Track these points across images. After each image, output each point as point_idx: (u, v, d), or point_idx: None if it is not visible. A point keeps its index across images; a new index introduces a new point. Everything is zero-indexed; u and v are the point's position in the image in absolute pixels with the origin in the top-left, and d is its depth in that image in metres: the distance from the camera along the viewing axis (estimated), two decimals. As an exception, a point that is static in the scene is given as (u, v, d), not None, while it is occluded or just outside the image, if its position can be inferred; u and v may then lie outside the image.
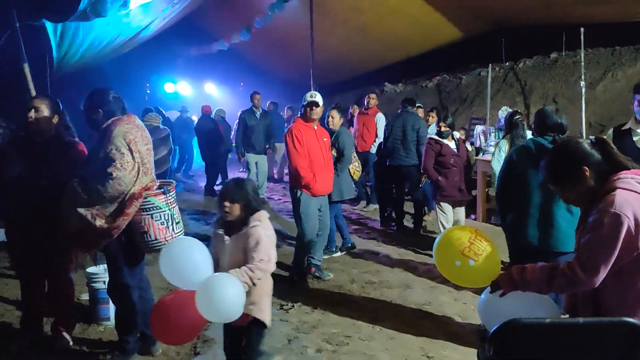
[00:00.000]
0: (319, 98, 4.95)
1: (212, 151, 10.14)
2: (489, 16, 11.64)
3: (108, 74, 14.59)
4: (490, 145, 8.24)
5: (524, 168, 3.39)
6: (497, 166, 5.59)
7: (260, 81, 16.94)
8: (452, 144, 5.87)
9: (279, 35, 13.67)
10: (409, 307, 4.47)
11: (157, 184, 3.17)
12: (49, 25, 8.28)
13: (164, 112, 11.13)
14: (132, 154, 2.99)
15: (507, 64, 12.19)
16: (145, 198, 3.02)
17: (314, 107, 4.88)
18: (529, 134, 5.73)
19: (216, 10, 14.05)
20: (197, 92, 17.01)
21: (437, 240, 2.49)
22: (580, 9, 9.49)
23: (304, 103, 4.94)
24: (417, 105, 9.24)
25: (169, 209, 3.09)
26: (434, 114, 8.50)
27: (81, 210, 2.94)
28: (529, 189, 3.36)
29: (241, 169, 13.13)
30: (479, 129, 9.38)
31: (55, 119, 3.46)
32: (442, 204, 5.83)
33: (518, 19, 11.39)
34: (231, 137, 10.93)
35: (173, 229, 3.11)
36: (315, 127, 5.02)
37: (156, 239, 3.04)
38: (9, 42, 7.45)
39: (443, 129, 5.82)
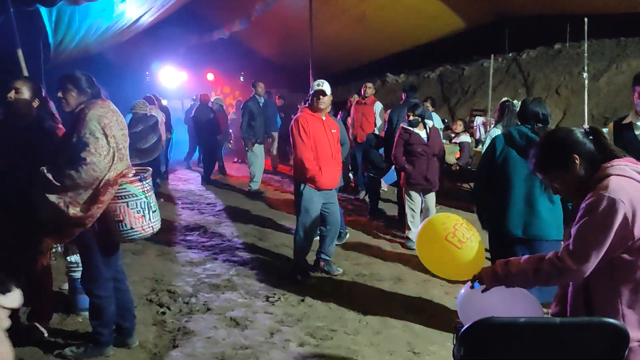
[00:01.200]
0: (326, 87, 4.72)
1: (209, 140, 10.02)
2: (492, 6, 11.46)
3: (107, 61, 14.50)
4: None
5: (506, 155, 3.36)
6: None
7: (260, 70, 16.82)
8: (422, 133, 5.82)
9: (279, 24, 13.53)
10: (398, 301, 4.36)
11: (133, 170, 3.06)
12: (43, 11, 8.17)
13: (162, 100, 11.03)
14: (107, 138, 2.89)
15: (510, 54, 12.01)
16: (121, 185, 2.92)
17: (321, 96, 4.67)
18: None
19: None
20: (197, 81, 16.88)
21: (421, 224, 2.37)
22: (584, 0, 9.32)
23: (311, 92, 4.75)
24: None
25: (146, 197, 2.99)
26: (428, 104, 8.39)
27: (53, 198, 2.83)
28: (511, 177, 3.33)
29: (236, 160, 13.04)
30: (479, 120, 9.25)
31: (36, 103, 3.35)
32: (410, 192, 5.86)
33: (521, 9, 11.21)
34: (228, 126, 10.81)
35: (150, 218, 3.01)
36: (324, 118, 4.81)
37: (132, 228, 2.94)
38: (2, 27, 7.38)
39: (411, 117, 5.80)
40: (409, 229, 5.87)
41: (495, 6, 11.47)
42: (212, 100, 10.97)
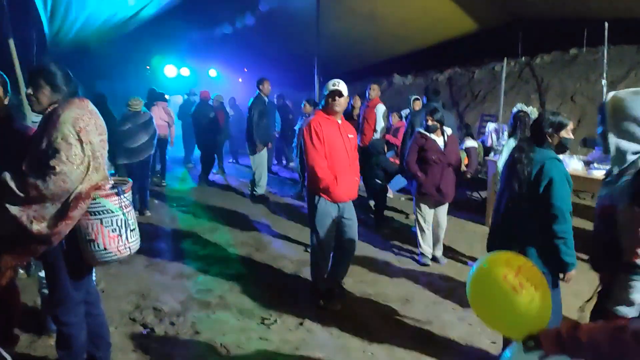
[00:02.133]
0: (343, 86, 4.17)
1: (209, 139, 9.61)
2: (506, 8, 11.02)
3: (108, 54, 14.14)
4: (503, 145, 7.71)
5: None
6: (502, 166, 5.06)
7: (264, 67, 16.41)
8: (439, 140, 5.36)
9: (285, 21, 13.11)
10: (407, 327, 3.97)
11: (111, 182, 2.66)
12: (37, 0, 7.83)
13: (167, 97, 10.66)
14: (81, 145, 2.48)
15: (523, 59, 11.57)
16: (95, 199, 2.51)
17: (337, 97, 4.12)
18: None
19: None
20: (200, 76, 16.48)
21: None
22: (604, 3, 8.88)
23: (325, 92, 4.22)
24: (414, 97, 8.69)
25: (123, 214, 2.58)
26: (419, 103, 7.98)
27: (15, 211, 2.43)
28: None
29: (230, 160, 12.61)
30: (490, 126, 8.81)
31: (7, 100, 2.96)
32: (420, 204, 5.41)
33: (537, 12, 10.77)
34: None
35: (127, 237, 2.60)
36: (339, 121, 4.27)
37: (105, 249, 2.54)
38: None
39: (430, 122, 5.30)
40: (420, 245, 5.45)
41: (509, 8, 11.02)
42: (212, 97, 10.53)
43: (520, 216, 2.95)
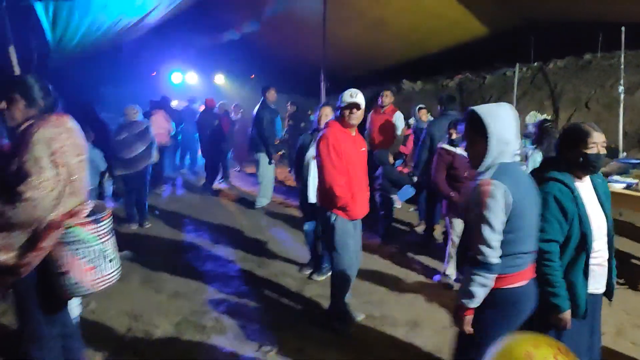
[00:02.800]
0: (360, 98, 3.90)
1: (214, 148, 9.40)
2: (518, 12, 10.73)
3: (112, 60, 14.02)
4: (516, 155, 7.43)
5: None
6: None
7: (271, 73, 16.22)
8: (465, 154, 5.05)
9: (292, 26, 12.93)
10: (415, 355, 3.71)
11: (88, 208, 2.43)
12: (38, 6, 7.68)
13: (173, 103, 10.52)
14: (56, 168, 2.26)
15: (536, 64, 11.26)
16: (68, 228, 2.29)
17: (354, 110, 3.89)
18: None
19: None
20: (206, 83, 16.32)
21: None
22: (621, 7, 8.58)
23: (342, 105, 3.92)
24: (419, 106, 8.42)
25: (100, 244, 2.36)
26: (425, 112, 7.71)
27: (-21, 241, 2.22)
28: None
29: (237, 169, 12.38)
30: (503, 135, 8.51)
31: None
32: (454, 221, 5.01)
33: (549, 15, 10.48)
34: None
35: (103, 270, 2.38)
36: (354, 134, 4.06)
37: (78, 283, 2.31)
38: None
39: (454, 136, 4.97)
40: (449, 264, 5.05)
41: (521, 12, 10.74)
42: (217, 104, 10.34)
43: None
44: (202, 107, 11.79)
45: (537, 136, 4.95)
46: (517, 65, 10.34)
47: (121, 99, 14.70)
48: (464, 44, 12.17)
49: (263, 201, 8.16)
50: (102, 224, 2.37)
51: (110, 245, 2.43)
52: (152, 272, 5.21)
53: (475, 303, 2.26)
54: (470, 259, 2.24)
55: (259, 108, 8.08)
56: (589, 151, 2.54)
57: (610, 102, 9.24)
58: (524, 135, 7.99)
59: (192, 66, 15.96)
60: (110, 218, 2.46)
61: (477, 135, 2.31)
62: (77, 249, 2.29)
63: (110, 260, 2.41)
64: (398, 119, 7.78)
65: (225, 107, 10.29)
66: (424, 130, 6.33)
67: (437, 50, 12.68)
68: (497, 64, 12.39)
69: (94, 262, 2.33)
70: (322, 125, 4.58)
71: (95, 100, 14.14)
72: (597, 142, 2.55)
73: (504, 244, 2.22)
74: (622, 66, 8.18)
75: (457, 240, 5.01)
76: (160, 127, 8.90)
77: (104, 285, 2.40)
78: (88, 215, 2.38)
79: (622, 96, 8.07)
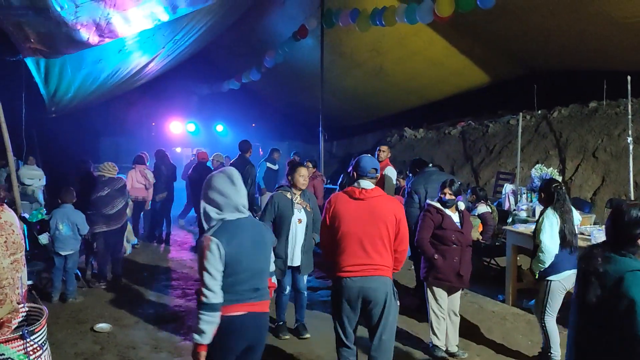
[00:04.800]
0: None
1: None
2: (520, 61, 10.59)
3: (110, 111, 13.95)
4: (522, 210, 7.10)
5: None
6: (550, 244, 4.35)
7: (271, 122, 16.13)
8: (455, 217, 4.75)
9: (292, 76, 12.88)
10: None
11: (20, 316, 2.09)
12: (29, 62, 7.56)
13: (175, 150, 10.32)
14: None
15: (540, 112, 11.02)
16: (-10, 344, 1.95)
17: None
18: (574, 211, 4.57)
19: (227, 48, 13.36)
20: (206, 132, 16.19)
21: None
22: (626, 56, 8.38)
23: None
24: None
25: (28, 360, 2.01)
26: (385, 148, 7.38)
27: None
28: None
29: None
30: (508, 188, 8.18)
31: None
32: (434, 288, 4.70)
33: (552, 64, 10.32)
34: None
35: (31, 392, 2.02)
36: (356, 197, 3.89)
37: (0, 411, 1.96)
38: None
39: (447, 196, 4.70)
40: (434, 334, 4.71)
41: (523, 61, 10.59)
42: (211, 158, 10.06)
43: (595, 351, 2.25)
44: (191, 160, 11.46)
45: (547, 197, 4.58)
46: (521, 113, 10.07)
47: (121, 149, 14.61)
48: (466, 92, 12.02)
49: None
50: (33, 337, 2.03)
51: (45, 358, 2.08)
52: (129, 350, 4.81)
53: (206, 339, 2.61)
54: (197, 301, 2.62)
55: (239, 163, 8.14)
56: None
57: (619, 151, 8.93)
58: (530, 189, 7.65)
59: (192, 115, 15.89)
60: (45, 327, 2.11)
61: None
62: (-1, 369, 1.95)
63: (42, 380, 2.06)
64: (388, 172, 7.45)
65: (219, 159, 9.99)
66: (406, 189, 6.08)
67: (439, 98, 12.53)
68: (501, 112, 12.17)
69: (20, 383, 1.98)
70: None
71: (93, 151, 14.07)
72: None
73: (226, 285, 2.65)
74: (630, 115, 7.89)
75: (437, 310, 4.67)
76: (138, 181, 8.97)
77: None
78: (19, 326, 2.04)
79: (631, 146, 7.76)
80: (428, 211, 4.77)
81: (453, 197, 4.71)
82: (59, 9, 4.06)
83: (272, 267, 3.07)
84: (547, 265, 4.35)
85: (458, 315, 4.82)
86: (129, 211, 7.66)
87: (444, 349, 4.72)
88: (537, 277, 4.43)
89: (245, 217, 2.81)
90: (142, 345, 4.91)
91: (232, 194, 2.76)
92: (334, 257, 3.62)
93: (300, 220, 4.94)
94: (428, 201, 4.94)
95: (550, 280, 4.35)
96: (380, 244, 3.54)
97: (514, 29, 8.82)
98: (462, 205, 4.87)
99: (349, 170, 4.15)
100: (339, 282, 3.55)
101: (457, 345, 4.80)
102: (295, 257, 4.98)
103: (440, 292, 4.70)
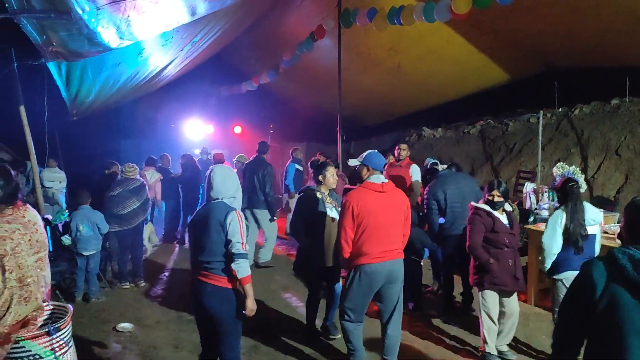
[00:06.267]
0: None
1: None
2: (541, 57, 10.45)
3: (130, 113, 14.11)
4: (544, 209, 7.02)
5: (613, 298, 2.00)
6: (549, 243, 4.35)
7: (289, 123, 16.13)
8: (503, 218, 4.65)
9: (309, 76, 12.87)
10: None
11: (44, 314, 2.11)
12: (51, 65, 7.68)
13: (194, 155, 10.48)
14: (3, 274, 1.96)
15: (560, 109, 10.87)
16: (17, 343, 1.97)
17: None
18: (589, 208, 4.48)
19: (244, 49, 13.40)
20: (224, 133, 16.27)
21: None
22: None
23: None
24: (432, 162, 7.93)
25: (55, 358, 2.03)
26: (405, 147, 7.64)
27: None
28: (623, 335, 1.97)
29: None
30: (529, 187, 8.07)
31: None
32: (488, 293, 4.57)
33: (573, 61, 10.17)
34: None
35: (58, 389, 2.05)
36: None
37: (27, 407, 1.98)
38: (5, 82, 6.97)
39: (496, 198, 4.59)
40: (486, 342, 4.59)
41: (542, 59, 10.45)
42: (234, 159, 10.09)
43: None
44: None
45: (562, 196, 4.53)
46: (542, 111, 9.95)
47: (142, 151, 14.75)
48: (485, 90, 11.90)
49: (267, 255, 8.10)
50: (59, 334, 2.05)
51: (68, 358, 2.10)
52: (151, 349, 4.85)
53: None
54: None
55: (255, 164, 8.15)
56: None
57: (643, 150, 8.78)
58: (551, 187, 7.55)
59: (211, 116, 15.98)
60: (70, 325, 2.14)
61: None
62: (26, 367, 1.98)
63: (68, 377, 2.08)
64: (414, 172, 7.48)
65: (242, 160, 9.96)
66: (426, 194, 6.00)
67: (457, 96, 12.43)
68: (520, 110, 12.04)
69: (47, 381, 2.01)
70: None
71: (115, 153, 14.23)
72: None
73: None
74: (654, 112, 7.75)
75: (491, 315, 4.58)
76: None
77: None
78: (44, 324, 2.06)
79: (655, 144, 7.62)
80: (478, 215, 4.65)
81: (502, 199, 4.61)
82: (80, 12, 4.09)
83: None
84: (547, 264, 4.33)
85: (516, 319, 4.70)
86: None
87: (496, 353, 4.61)
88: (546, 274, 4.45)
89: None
90: (163, 345, 4.95)
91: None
92: (359, 247, 3.97)
93: (333, 219, 4.91)
94: (474, 204, 4.81)
95: (555, 279, 4.35)
96: (400, 230, 4.13)
97: (534, 25, 8.70)
98: (508, 207, 4.77)
99: (355, 165, 4.32)
100: (368, 268, 3.97)
101: (507, 345, 4.74)
102: (329, 257, 4.96)
103: (491, 297, 4.59)
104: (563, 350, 2.23)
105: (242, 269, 3.22)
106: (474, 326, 5.17)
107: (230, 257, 3.24)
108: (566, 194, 4.40)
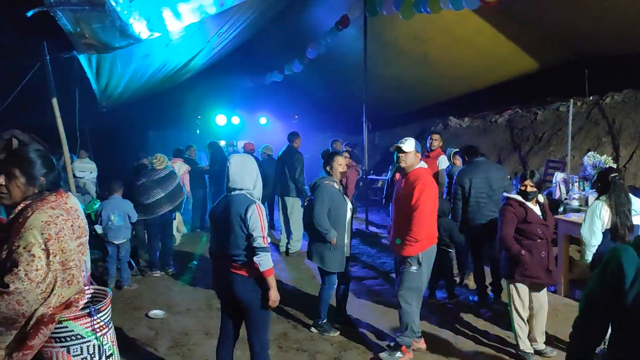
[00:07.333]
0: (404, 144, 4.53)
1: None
2: (570, 46, 10.25)
3: (158, 105, 14.27)
4: (574, 199, 6.90)
5: None
6: (588, 235, 4.30)
7: (314, 113, 16.14)
8: (537, 209, 4.53)
9: (334, 66, 12.83)
10: None
11: (85, 297, 2.18)
12: (82, 58, 7.82)
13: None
14: (47, 257, 2.03)
15: (591, 98, 10.65)
16: (61, 323, 2.04)
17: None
18: (634, 199, 4.40)
19: (269, 40, 13.42)
20: (250, 124, 16.38)
21: None
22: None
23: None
24: (454, 151, 7.85)
25: (96, 338, 2.11)
26: (437, 137, 7.72)
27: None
28: None
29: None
30: (558, 176, 7.95)
31: None
32: (518, 285, 4.46)
33: (603, 49, 9.94)
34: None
35: (100, 368, 2.12)
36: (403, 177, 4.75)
37: (71, 385, 2.06)
38: (39, 74, 7.13)
39: (529, 189, 4.44)
40: (520, 338, 4.47)
41: (573, 47, 10.24)
42: (260, 149, 10.19)
43: None
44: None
45: (603, 187, 4.42)
46: (571, 100, 9.77)
47: (169, 142, 14.94)
48: (513, 79, 11.72)
49: (296, 245, 8.20)
50: (99, 315, 2.13)
51: (108, 338, 2.18)
52: (182, 336, 4.95)
53: None
54: None
55: (287, 153, 8.30)
56: None
57: (676, 138, 8.58)
58: (582, 177, 7.44)
59: (236, 108, 16.09)
60: (109, 307, 2.21)
61: None
62: (70, 346, 2.06)
63: (109, 356, 2.15)
64: (442, 162, 7.45)
65: (268, 152, 10.05)
66: (454, 181, 5.95)
67: (485, 86, 12.27)
68: (549, 99, 11.83)
69: (90, 359, 2.07)
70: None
71: (143, 144, 14.46)
72: None
73: None
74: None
75: (521, 310, 4.49)
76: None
77: (100, 385, 2.14)
78: (84, 307, 2.13)
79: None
80: (510, 205, 4.51)
81: (535, 189, 4.46)
82: (114, 4, 4.17)
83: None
84: (587, 257, 4.25)
85: (545, 312, 4.58)
86: None
87: (532, 351, 4.50)
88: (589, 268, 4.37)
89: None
90: (194, 332, 5.04)
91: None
92: (433, 229, 4.45)
93: (350, 210, 4.96)
94: (506, 194, 4.68)
95: None
96: None
97: (564, 12, 8.53)
98: (542, 198, 4.65)
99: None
100: (434, 247, 4.51)
101: (544, 343, 4.60)
102: (348, 247, 4.99)
103: (523, 290, 4.46)
104: (582, 343, 2.10)
105: (265, 262, 3.27)
106: (503, 318, 5.14)
107: (252, 250, 3.29)
108: (608, 185, 4.31)
